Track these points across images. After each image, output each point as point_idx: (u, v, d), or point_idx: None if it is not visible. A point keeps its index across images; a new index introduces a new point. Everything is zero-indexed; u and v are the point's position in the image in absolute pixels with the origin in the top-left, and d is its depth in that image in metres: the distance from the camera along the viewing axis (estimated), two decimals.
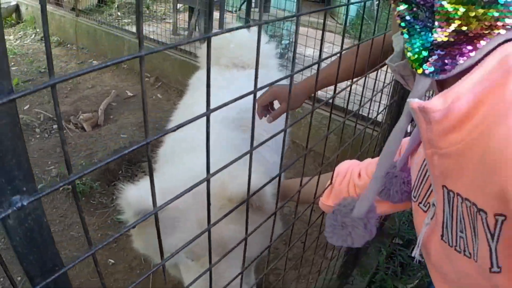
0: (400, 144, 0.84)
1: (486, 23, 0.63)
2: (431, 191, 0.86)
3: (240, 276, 0.91)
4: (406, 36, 0.71)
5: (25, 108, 4.17)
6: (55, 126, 3.92)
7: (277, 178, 0.84)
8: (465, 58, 0.66)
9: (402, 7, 0.71)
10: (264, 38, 2.59)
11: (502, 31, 0.63)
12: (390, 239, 2.47)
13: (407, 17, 0.70)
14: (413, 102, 0.70)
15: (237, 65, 2.33)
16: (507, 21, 0.63)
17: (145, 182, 1.23)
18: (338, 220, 0.98)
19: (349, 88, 1.09)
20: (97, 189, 3.05)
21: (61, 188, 2.27)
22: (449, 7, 0.65)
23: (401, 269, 2.32)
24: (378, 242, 2.46)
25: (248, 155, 0.70)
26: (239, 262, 1.24)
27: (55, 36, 6.50)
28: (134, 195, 1.14)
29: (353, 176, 1.19)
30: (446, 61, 0.68)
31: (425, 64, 0.69)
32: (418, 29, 0.70)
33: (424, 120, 0.71)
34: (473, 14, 0.64)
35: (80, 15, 6.21)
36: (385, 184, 0.99)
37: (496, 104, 0.63)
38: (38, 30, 7.06)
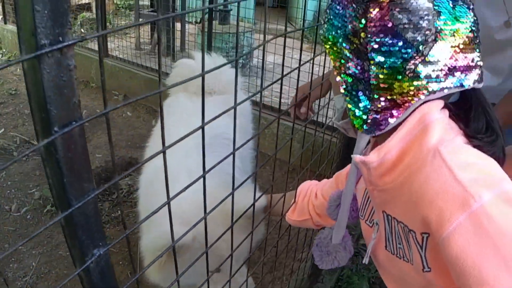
0: (353, 190, 1.10)
1: (411, 92, 0.84)
2: (374, 212, 1.11)
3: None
4: (348, 102, 0.92)
5: (0, 132, 4.28)
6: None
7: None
8: (394, 119, 0.87)
9: (345, 79, 0.91)
10: (227, 66, 2.70)
11: (422, 96, 0.84)
12: (355, 240, 2.76)
13: (349, 87, 0.91)
14: (356, 157, 0.95)
15: (206, 91, 2.38)
16: (426, 90, 0.83)
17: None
18: (323, 250, 1.23)
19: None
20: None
21: (45, 210, 2.48)
22: (382, 81, 0.85)
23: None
24: None
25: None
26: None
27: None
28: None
29: (312, 196, 1.44)
30: (380, 122, 0.88)
31: (364, 125, 0.91)
32: (358, 97, 0.90)
33: (365, 168, 0.95)
34: (400, 86, 0.84)
35: None
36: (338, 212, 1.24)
37: (416, 154, 0.85)
38: (4, 50, 7.07)
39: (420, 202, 0.81)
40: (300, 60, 1.14)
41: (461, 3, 0.83)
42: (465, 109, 0.92)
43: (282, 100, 3.53)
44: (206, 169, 0.87)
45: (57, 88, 0.43)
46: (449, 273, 0.80)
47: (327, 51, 0.95)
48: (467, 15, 0.83)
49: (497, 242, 0.69)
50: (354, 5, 0.85)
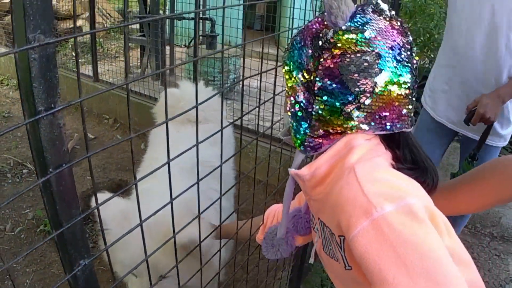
0: (291, 194, 1.27)
1: (344, 129, 0.98)
2: (315, 220, 1.25)
3: None
4: (291, 122, 1.06)
5: None
6: (25, 171, 4.16)
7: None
8: (327, 145, 1.02)
9: (293, 103, 1.04)
10: (211, 91, 2.86)
11: (353, 132, 0.98)
12: None
13: (295, 111, 1.04)
14: (291, 170, 1.10)
15: (191, 120, 2.60)
16: (357, 129, 0.98)
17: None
18: (269, 242, 1.41)
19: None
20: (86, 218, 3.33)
21: (38, 230, 2.61)
22: (321, 115, 0.99)
23: None
24: (319, 262, 2.87)
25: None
26: (169, 285, 1.58)
27: (14, 79, 6.59)
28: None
29: (279, 217, 1.59)
30: (315, 146, 1.04)
31: (302, 146, 1.05)
32: (300, 121, 1.03)
33: (300, 180, 1.10)
34: (336, 123, 0.98)
35: None
36: (294, 224, 1.41)
37: (339, 170, 0.98)
38: None
39: (335, 208, 0.94)
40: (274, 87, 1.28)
41: (405, 63, 0.97)
42: (394, 139, 1.04)
43: (264, 123, 3.64)
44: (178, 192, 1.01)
45: (51, 141, 0.60)
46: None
47: (284, 73, 1.08)
48: (406, 74, 0.97)
49: (396, 246, 0.78)
50: (312, 47, 0.99)
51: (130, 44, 6.29)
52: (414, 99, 1.02)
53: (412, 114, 1.03)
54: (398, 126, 1.00)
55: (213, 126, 2.45)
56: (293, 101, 1.04)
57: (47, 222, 3.33)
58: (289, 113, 1.07)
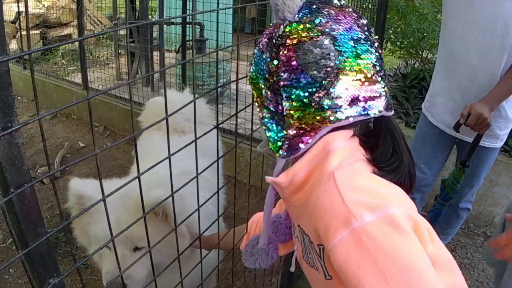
0: (272, 203, 1.24)
1: (317, 121, 0.95)
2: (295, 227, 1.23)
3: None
4: (266, 131, 1.04)
5: None
6: None
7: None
8: (304, 145, 0.98)
9: (264, 111, 1.03)
10: (200, 102, 2.81)
11: (329, 124, 0.95)
12: None
13: (266, 119, 1.03)
14: (268, 178, 1.06)
15: (177, 130, 2.53)
16: (331, 119, 0.94)
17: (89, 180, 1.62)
18: (248, 250, 1.37)
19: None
20: (62, 238, 3.31)
21: None
22: (292, 113, 0.97)
23: None
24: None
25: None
26: (147, 260, 1.49)
27: None
28: (76, 183, 1.54)
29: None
30: (293, 148, 1.00)
31: (280, 150, 1.02)
32: (274, 127, 1.02)
33: (278, 188, 1.06)
34: (308, 116, 0.95)
35: (26, 64, 6.34)
36: (274, 230, 1.38)
37: (318, 175, 0.96)
38: None
39: (312, 216, 0.92)
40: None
41: (363, 42, 0.96)
42: (376, 135, 1.03)
43: (255, 127, 3.61)
44: None
45: (10, 160, 0.59)
46: None
47: (251, 87, 1.08)
48: (368, 52, 0.96)
49: (375, 257, 0.78)
50: (269, 49, 0.99)
51: (119, 51, 6.29)
52: (384, 78, 1.01)
53: (387, 95, 1.00)
54: (375, 108, 0.97)
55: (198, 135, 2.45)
56: (263, 109, 1.04)
57: None
58: (261, 121, 1.06)
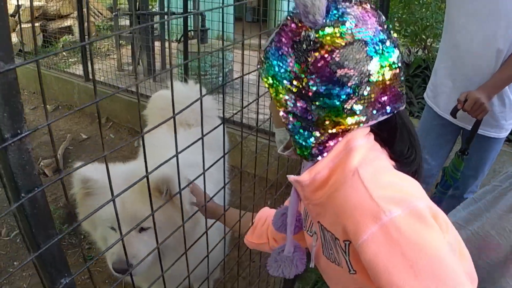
0: (296, 207, 1.26)
1: (349, 126, 0.96)
2: (312, 223, 1.24)
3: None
4: (292, 135, 1.02)
5: None
6: None
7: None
8: (329, 148, 1.00)
9: (290, 117, 0.99)
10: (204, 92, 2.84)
11: (359, 127, 0.97)
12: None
13: (293, 124, 1.00)
14: (290, 177, 1.07)
15: (183, 123, 2.51)
16: (362, 122, 0.96)
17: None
18: (273, 257, 1.34)
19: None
20: (65, 230, 3.33)
21: None
22: (323, 119, 0.96)
23: None
24: None
25: None
26: (153, 240, 1.60)
27: None
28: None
29: (270, 222, 1.54)
30: (323, 151, 1.00)
31: (309, 155, 1.01)
32: (302, 132, 0.99)
33: (300, 186, 1.07)
34: (340, 122, 0.95)
35: (27, 57, 6.27)
36: (282, 221, 1.36)
37: (340, 174, 0.97)
38: None
39: (341, 214, 0.95)
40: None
41: (389, 43, 0.95)
42: (390, 130, 1.05)
43: (260, 116, 3.63)
44: None
45: (21, 166, 0.60)
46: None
47: (266, 87, 1.03)
48: (394, 53, 0.95)
49: (404, 251, 0.81)
50: (295, 52, 0.94)
51: (121, 41, 6.29)
52: (403, 74, 1.01)
53: (404, 91, 1.02)
54: (396, 106, 0.99)
55: (205, 129, 2.46)
56: (288, 114, 1.00)
57: None
58: (286, 125, 1.03)
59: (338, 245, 1.01)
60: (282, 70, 0.97)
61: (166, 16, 6.04)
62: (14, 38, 7.33)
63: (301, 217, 1.36)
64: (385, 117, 0.99)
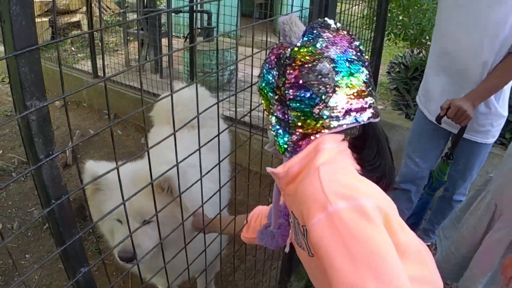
0: (279, 194, 1.43)
1: (318, 128, 1.13)
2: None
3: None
4: (274, 135, 1.21)
5: None
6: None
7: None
8: (304, 146, 1.16)
9: (273, 119, 1.20)
10: (207, 93, 2.95)
11: (327, 131, 1.13)
12: None
13: (275, 125, 1.20)
14: (268, 169, 1.25)
15: (187, 125, 2.59)
16: (329, 126, 1.12)
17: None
18: (260, 230, 1.57)
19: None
20: (84, 228, 3.45)
21: (44, 227, 2.78)
22: (296, 121, 1.14)
23: None
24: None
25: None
26: (156, 233, 1.64)
27: None
28: (91, 164, 1.71)
29: (262, 217, 1.75)
30: (296, 149, 1.17)
31: (286, 152, 1.19)
32: (281, 132, 1.19)
33: (277, 178, 1.24)
34: (310, 125, 1.13)
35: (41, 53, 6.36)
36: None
37: (307, 169, 1.13)
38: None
39: (300, 202, 1.09)
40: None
41: (356, 62, 1.14)
42: (363, 138, 1.21)
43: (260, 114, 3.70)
44: None
45: (51, 179, 0.76)
46: None
47: (260, 97, 1.25)
48: (360, 71, 1.14)
49: (346, 240, 0.93)
50: (277, 67, 1.16)
51: (128, 37, 6.38)
52: (373, 92, 1.18)
53: (375, 105, 1.18)
54: (364, 117, 1.15)
55: (208, 131, 2.55)
56: (272, 117, 1.21)
57: None
58: (270, 127, 1.23)
59: (300, 230, 1.16)
60: (269, 81, 1.18)
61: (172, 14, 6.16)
62: None
63: (288, 211, 1.51)
64: (352, 125, 1.15)
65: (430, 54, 2.67)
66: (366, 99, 1.15)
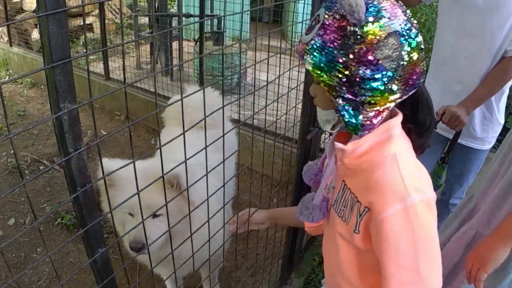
0: (333, 167, 1.37)
1: (390, 102, 1.12)
2: (332, 181, 1.40)
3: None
4: (343, 116, 1.15)
5: (11, 151, 4.63)
6: (41, 167, 4.43)
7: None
8: (377, 122, 1.14)
9: (339, 100, 1.13)
10: (217, 98, 3.04)
11: (397, 101, 1.13)
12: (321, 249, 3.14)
13: (342, 106, 1.14)
14: (337, 144, 1.22)
15: (197, 125, 2.66)
16: (399, 98, 1.12)
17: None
18: (304, 205, 1.47)
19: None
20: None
21: (56, 223, 2.92)
22: (369, 100, 1.10)
23: None
24: (310, 252, 3.19)
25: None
26: (164, 225, 1.80)
27: (28, 77, 6.77)
28: (105, 162, 1.80)
29: None
30: (370, 126, 1.15)
31: (359, 131, 1.16)
32: (352, 112, 1.14)
33: (341, 152, 1.22)
34: (383, 101, 1.10)
35: None
36: (304, 171, 1.61)
37: (378, 152, 1.16)
38: (11, 71, 7.41)
39: (373, 187, 1.13)
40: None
41: (414, 31, 1.09)
42: (412, 103, 1.22)
43: (267, 118, 3.80)
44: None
45: (78, 169, 0.92)
46: (370, 238, 1.17)
47: (315, 76, 1.15)
48: (418, 38, 1.09)
49: (415, 230, 1.06)
50: (343, 45, 1.07)
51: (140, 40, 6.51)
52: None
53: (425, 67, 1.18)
54: (421, 81, 1.15)
55: (218, 132, 2.63)
56: (339, 99, 1.14)
57: (64, 216, 3.63)
58: (334, 109, 1.19)
59: (357, 207, 1.20)
60: (331, 60, 1.09)
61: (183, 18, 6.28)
62: (36, 34, 7.55)
63: (322, 174, 1.57)
64: (413, 91, 1.15)
65: (430, 62, 2.74)
66: (422, 63, 1.14)
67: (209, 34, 5.92)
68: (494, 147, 2.86)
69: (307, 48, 1.14)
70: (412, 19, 1.12)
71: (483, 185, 2.07)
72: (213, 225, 1.85)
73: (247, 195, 3.78)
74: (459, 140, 2.52)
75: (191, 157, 1.37)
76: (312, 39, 1.13)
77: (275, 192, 3.61)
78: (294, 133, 3.50)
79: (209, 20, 6.01)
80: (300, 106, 2.26)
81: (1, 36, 8.00)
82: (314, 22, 1.15)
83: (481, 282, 1.75)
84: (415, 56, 1.09)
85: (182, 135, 1.40)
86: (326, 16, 1.11)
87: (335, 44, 1.08)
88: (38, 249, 3.37)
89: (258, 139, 4.16)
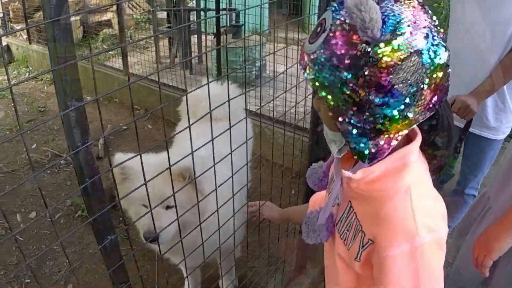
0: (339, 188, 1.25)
1: (403, 129, 0.97)
2: (338, 197, 1.25)
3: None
4: (350, 142, 1.01)
5: (33, 147, 4.74)
6: (62, 162, 4.47)
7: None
8: (387, 151, 1.01)
9: (346, 125, 0.98)
10: (234, 90, 3.00)
11: (407, 130, 0.98)
12: None
13: (351, 131, 0.99)
14: (344, 173, 1.07)
15: (213, 118, 2.63)
16: (413, 123, 0.97)
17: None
18: (310, 227, 1.33)
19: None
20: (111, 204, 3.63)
21: (76, 215, 3.00)
22: (380, 127, 0.95)
23: None
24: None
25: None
26: (173, 215, 1.77)
27: (49, 74, 6.65)
28: (120, 156, 1.86)
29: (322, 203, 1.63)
30: (380, 154, 1.02)
31: (366, 159, 1.02)
32: (359, 138, 0.99)
33: (347, 178, 1.08)
34: (396, 127, 0.95)
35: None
36: (309, 174, 1.54)
37: (390, 182, 1.04)
38: (31, 68, 7.56)
39: (381, 219, 1.04)
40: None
41: (439, 43, 0.91)
42: (430, 124, 1.10)
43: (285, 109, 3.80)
44: None
45: (86, 162, 0.97)
46: (371, 267, 1.09)
47: (318, 92, 0.99)
48: (444, 53, 0.91)
49: (420, 272, 0.99)
50: (352, 65, 0.89)
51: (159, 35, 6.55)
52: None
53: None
54: (443, 100, 0.99)
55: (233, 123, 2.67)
56: (345, 124, 0.99)
57: (84, 208, 3.68)
58: (340, 133, 1.05)
59: (360, 237, 1.11)
60: (337, 81, 0.93)
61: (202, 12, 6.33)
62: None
63: (328, 180, 1.48)
64: (431, 114, 0.99)
65: None
66: (447, 84, 0.97)
67: (228, 27, 5.93)
68: (510, 136, 2.85)
69: (310, 59, 0.97)
70: (439, 27, 0.94)
71: (498, 180, 2.06)
72: (227, 214, 1.89)
73: (265, 186, 3.79)
74: (473, 130, 2.52)
75: (198, 149, 1.41)
76: (316, 51, 0.95)
77: (294, 184, 3.60)
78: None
79: (228, 15, 6.02)
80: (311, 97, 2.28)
81: (20, 34, 8.13)
82: (319, 28, 0.96)
83: (487, 268, 1.75)
84: (439, 75, 0.92)
85: (196, 128, 1.43)
86: (333, 25, 0.92)
87: (343, 62, 0.90)
88: (43, 246, 3.43)
89: (276, 131, 4.12)
